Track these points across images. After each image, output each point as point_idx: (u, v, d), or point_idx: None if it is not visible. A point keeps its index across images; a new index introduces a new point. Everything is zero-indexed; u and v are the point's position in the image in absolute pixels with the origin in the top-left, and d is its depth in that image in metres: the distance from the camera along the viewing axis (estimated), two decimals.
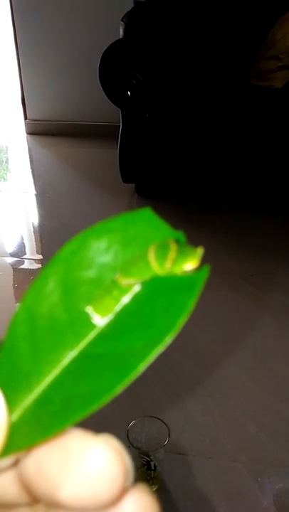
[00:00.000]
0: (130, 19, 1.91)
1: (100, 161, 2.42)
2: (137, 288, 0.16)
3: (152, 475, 0.90)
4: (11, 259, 1.71)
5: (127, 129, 1.85)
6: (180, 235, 0.16)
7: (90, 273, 0.16)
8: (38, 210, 2.07)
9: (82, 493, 0.13)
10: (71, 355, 0.15)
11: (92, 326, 0.15)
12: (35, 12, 2.46)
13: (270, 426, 1.07)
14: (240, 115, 1.77)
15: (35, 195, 2.16)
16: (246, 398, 1.13)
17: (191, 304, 0.14)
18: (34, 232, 1.91)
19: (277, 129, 1.76)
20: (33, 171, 2.40)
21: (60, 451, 0.14)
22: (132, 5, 2.01)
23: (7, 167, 2.50)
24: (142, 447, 0.86)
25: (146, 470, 0.89)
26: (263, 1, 1.98)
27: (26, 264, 1.68)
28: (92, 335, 0.15)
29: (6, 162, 2.56)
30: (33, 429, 0.14)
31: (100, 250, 0.16)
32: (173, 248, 0.15)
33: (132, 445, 0.84)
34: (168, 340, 0.14)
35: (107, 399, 0.13)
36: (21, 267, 1.67)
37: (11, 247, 1.81)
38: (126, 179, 1.97)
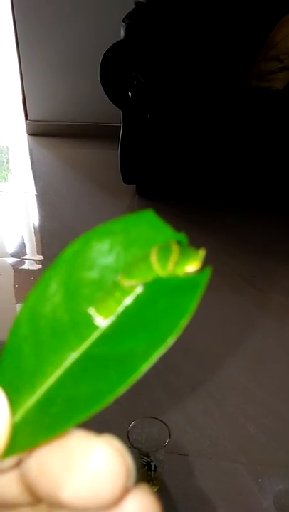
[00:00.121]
0: (131, 20, 1.91)
1: (101, 161, 2.43)
2: (139, 289, 0.16)
3: (153, 476, 0.90)
4: (11, 260, 1.71)
5: (127, 130, 1.85)
6: (182, 236, 0.16)
7: (92, 274, 0.16)
8: (39, 211, 2.07)
9: (84, 493, 0.13)
10: (73, 356, 0.15)
11: (95, 327, 0.15)
12: (36, 13, 2.47)
13: (271, 427, 1.07)
14: (241, 116, 1.77)
15: (36, 195, 2.16)
16: (246, 399, 1.13)
17: (192, 306, 0.14)
18: (35, 232, 1.91)
19: (278, 129, 1.76)
20: (33, 172, 2.41)
21: (63, 451, 0.14)
22: (132, 6, 2.01)
23: (8, 168, 2.50)
24: (143, 448, 0.86)
25: (146, 471, 0.89)
26: (264, 2, 1.98)
27: (27, 265, 1.68)
28: (94, 336, 0.15)
29: (7, 163, 2.56)
30: (36, 430, 0.14)
31: (102, 252, 0.16)
32: (175, 250, 0.15)
33: (133, 446, 0.85)
34: (170, 341, 0.14)
35: (109, 400, 0.14)
36: (22, 267, 1.67)
37: (11, 247, 1.81)
38: (127, 180, 1.97)
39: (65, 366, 0.15)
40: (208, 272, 0.15)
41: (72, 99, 2.67)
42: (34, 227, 1.95)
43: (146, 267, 0.15)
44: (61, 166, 2.44)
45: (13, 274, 1.66)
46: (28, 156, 2.59)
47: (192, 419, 1.08)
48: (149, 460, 0.86)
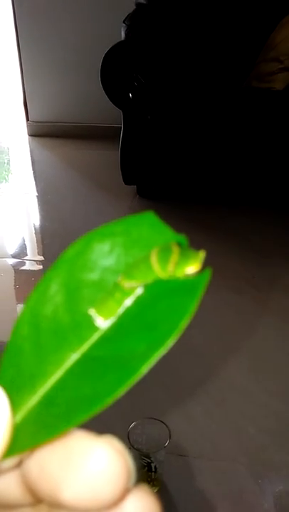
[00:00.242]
0: (132, 21, 1.91)
1: (101, 162, 2.43)
2: (139, 291, 0.16)
3: (153, 476, 0.90)
4: (12, 261, 1.71)
5: (128, 131, 1.85)
6: (182, 238, 0.16)
7: (93, 275, 0.16)
8: (40, 212, 2.08)
9: (84, 494, 0.13)
10: (74, 357, 0.15)
11: (95, 329, 0.16)
12: (37, 14, 2.47)
13: (271, 427, 1.07)
14: (242, 117, 1.77)
15: (37, 196, 2.16)
16: (247, 400, 1.13)
17: (193, 307, 0.14)
18: (35, 233, 1.91)
19: (278, 130, 1.76)
20: (34, 173, 2.41)
21: (63, 452, 0.14)
22: (133, 7, 2.01)
23: (9, 168, 2.51)
24: (143, 449, 0.86)
25: (146, 472, 0.89)
26: (264, 4, 1.98)
27: (27, 266, 1.68)
28: (95, 337, 0.15)
29: (8, 163, 2.56)
30: (37, 430, 0.14)
31: (103, 253, 0.16)
32: (175, 251, 0.15)
33: (133, 447, 0.84)
34: (170, 342, 0.14)
35: (110, 401, 0.14)
36: (22, 268, 1.68)
37: (12, 248, 1.81)
38: (127, 181, 1.97)
39: (66, 367, 0.15)
40: (208, 273, 0.15)
41: (72, 100, 2.68)
42: (35, 228, 1.95)
43: (147, 268, 0.15)
44: (62, 167, 2.44)
45: (13, 274, 1.66)
46: (29, 157, 2.60)
47: (192, 420, 1.08)
48: (149, 461, 0.86)
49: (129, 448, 0.84)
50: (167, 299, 0.15)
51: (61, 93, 2.67)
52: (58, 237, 1.82)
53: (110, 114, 2.24)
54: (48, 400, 0.15)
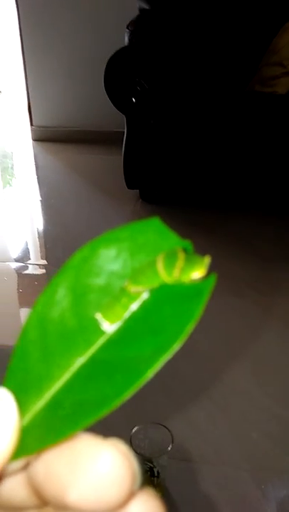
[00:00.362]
0: (135, 27, 1.92)
1: (105, 167, 2.44)
2: (145, 295, 0.16)
3: (155, 481, 0.90)
4: (15, 265, 1.72)
5: (131, 136, 1.86)
6: (187, 244, 0.16)
7: (100, 280, 0.16)
8: (43, 216, 2.08)
9: (90, 496, 0.13)
10: (81, 360, 0.15)
11: (102, 333, 0.16)
12: (41, 20, 2.49)
13: (274, 432, 1.06)
14: (245, 121, 1.78)
15: (40, 201, 2.17)
16: (250, 404, 1.13)
17: (198, 312, 0.15)
18: (38, 237, 1.92)
19: (281, 134, 1.76)
20: (38, 177, 2.42)
21: (70, 454, 0.14)
22: (137, 12, 2.03)
23: (12, 173, 2.52)
24: (145, 453, 0.86)
25: (149, 476, 0.88)
26: (267, 9, 1.99)
27: (30, 270, 1.68)
28: (101, 341, 0.16)
29: (12, 168, 2.58)
30: (44, 433, 0.14)
31: (109, 258, 0.17)
32: (181, 257, 0.15)
33: (135, 451, 0.84)
34: (176, 347, 0.14)
35: (116, 404, 0.14)
36: (25, 272, 1.68)
37: (15, 252, 1.81)
38: (130, 185, 1.98)
39: (73, 370, 0.15)
40: (213, 278, 0.15)
41: (76, 105, 2.69)
42: (38, 232, 1.95)
43: (153, 273, 0.15)
44: (65, 172, 2.45)
45: (16, 278, 1.67)
46: (33, 162, 2.61)
47: (195, 425, 1.08)
48: (152, 466, 0.86)
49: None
50: (173, 304, 0.15)
51: (65, 98, 2.69)
52: (60, 241, 1.82)
53: (114, 119, 2.25)
54: (55, 403, 0.15)
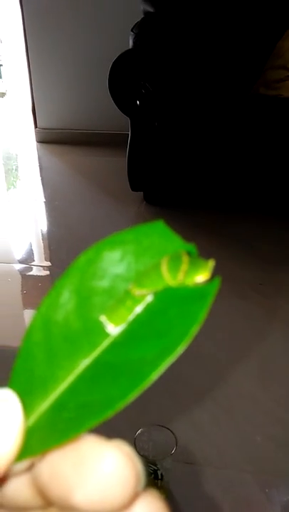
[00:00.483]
0: (140, 29, 1.93)
1: (109, 169, 2.44)
2: (149, 298, 0.16)
3: (159, 484, 0.90)
4: (19, 266, 1.72)
5: (135, 138, 1.87)
6: (192, 247, 0.16)
7: (104, 283, 0.17)
8: (47, 218, 2.09)
9: (94, 497, 0.14)
10: (85, 362, 0.15)
11: (106, 335, 0.16)
12: (45, 22, 2.50)
13: (279, 436, 1.06)
14: (249, 124, 1.78)
15: (44, 202, 2.18)
16: (254, 407, 1.12)
17: (202, 315, 0.15)
18: (43, 239, 1.92)
19: (286, 137, 1.76)
20: (42, 179, 2.43)
21: (74, 456, 0.14)
22: (141, 15, 2.03)
23: (17, 175, 2.53)
24: (149, 456, 0.86)
25: (153, 479, 0.88)
26: (272, 12, 1.99)
27: (34, 271, 1.69)
28: (105, 343, 0.16)
29: (16, 170, 2.59)
30: (49, 434, 0.14)
31: (114, 261, 0.17)
32: (185, 260, 0.15)
33: (139, 453, 0.84)
34: (180, 349, 0.14)
35: (120, 406, 0.14)
36: (29, 273, 1.68)
37: (19, 253, 1.82)
38: (134, 187, 1.98)
39: (77, 372, 0.15)
40: (217, 282, 0.15)
41: (80, 107, 2.70)
42: (42, 234, 1.96)
43: (157, 276, 0.16)
44: (69, 174, 2.46)
45: (20, 280, 1.67)
46: (37, 163, 2.62)
47: (199, 428, 1.07)
48: (155, 468, 0.86)
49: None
50: (177, 307, 0.15)
51: (69, 100, 2.70)
52: (65, 243, 1.83)
53: (118, 121, 2.25)
54: (59, 405, 0.15)
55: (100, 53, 2.46)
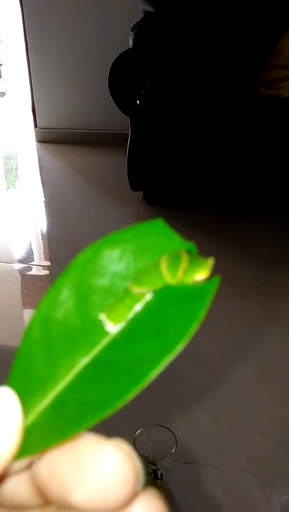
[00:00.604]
0: (140, 29, 1.93)
1: (109, 168, 2.44)
2: (148, 297, 0.16)
3: (159, 484, 0.90)
4: (19, 266, 1.72)
5: (135, 137, 1.87)
6: (191, 245, 0.16)
7: (103, 281, 0.17)
8: (47, 217, 2.09)
9: (93, 496, 0.13)
10: (85, 360, 0.15)
11: (105, 333, 0.16)
12: (45, 21, 2.51)
13: (278, 436, 1.06)
14: (249, 123, 1.78)
15: (44, 202, 2.18)
16: (254, 407, 1.13)
17: (201, 313, 0.15)
18: (42, 238, 1.92)
19: (286, 137, 1.76)
20: (42, 179, 2.43)
21: (73, 454, 0.14)
22: (141, 15, 2.03)
23: (17, 174, 2.53)
24: (149, 456, 0.86)
25: (152, 479, 0.88)
26: (272, 12, 1.99)
27: (34, 271, 1.69)
28: (105, 342, 0.16)
29: (16, 169, 2.59)
30: (48, 433, 0.14)
31: (113, 259, 0.17)
32: (184, 259, 0.15)
33: (139, 453, 0.84)
34: (179, 348, 0.14)
35: (119, 404, 0.14)
36: (29, 273, 1.68)
37: (19, 253, 1.82)
38: (134, 187, 1.98)
39: (77, 370, 0.15)
40: (216, 280, 0.15)
41: (80, 106, 2.70)
42: (42, 234, 1.96)
43: (156, 274, 0.16)
44: (69, 173, 2.46)
45: (20, 279, 1.67)
46: (37, 163, 2.62)
47: (199, 428, 1.07)
48: (155, 468, 0.86)
49: None
50: (176, 305, 0.15)
51: (69, 100, 2.70)
52: (64, 242, 1.83)
53: (118, 121, 2.25)
54: (58, 403, 0.15)
55: (100, 53, 2.46)
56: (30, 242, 1.89)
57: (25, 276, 1.67)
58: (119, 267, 0.17)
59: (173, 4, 2.01)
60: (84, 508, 0.14)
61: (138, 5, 2.05)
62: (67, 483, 0.14)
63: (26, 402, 0.15)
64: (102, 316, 0.16)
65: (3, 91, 3.76)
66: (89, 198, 2.19)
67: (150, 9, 2.02)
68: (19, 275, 1.69)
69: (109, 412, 0.14)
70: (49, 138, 2.77)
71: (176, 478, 0.95)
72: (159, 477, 0.88)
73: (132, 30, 1.94)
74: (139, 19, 2.00)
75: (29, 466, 0.15)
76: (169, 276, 0.15)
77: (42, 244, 1.89)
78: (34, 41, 2.57)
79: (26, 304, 1.53)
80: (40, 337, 0.16)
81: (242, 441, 1.05)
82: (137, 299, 0.16)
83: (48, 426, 0.15)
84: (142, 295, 0.16)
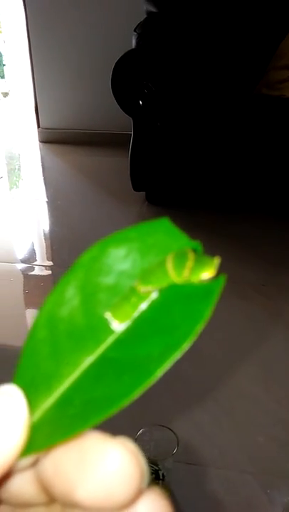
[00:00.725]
0: (143, 30, 1.93)
1: (111, 169, 2.44)
2: (154, 295, 0.16)
3: (160, 484, 0.90)
4: (21, 266, 1.72)
5: (138, 138, 1.87)
6: (197, 244, 0.16)
7: (109, 280, 0.17)
8: (49, 217, 2.09)
9: (98, 494, 0.13)
10: (90, 359, 0.15)
11: (111, 332, 0.16)
12: (48, 22, 2.51)
13: (280, 436, 1.06)
14: (251, 124, 1.78)
15: (47, 202, 2.18)
16: (256, 408, 1.12)
17: (207, 312, 0.15)
18: (45, 238, 1.93)
19: (288, 137, 1.76)
20: (44, 179, 2.43)
21: (78, 452, 0.14)
22: (144, 16, 2.04)
23: (19, 174, 2.53)
24: (150, 456, 0.86)
25: (154, 479, 0.88)
26: (274, 13, 1.99)
27: (37, 271, 1.69)
28: (110, 340, 0.16)
29: (19, 169, 2.59)
30: (53, 431, 0.14)
31: (119, 258, 0.17)
32: (190, 257, 0.15)
33: None
34: (185, 347, 0.14)
35: (125, 403, 0.14)
36: (32, 273, 1.69)
37: (21, 253, 1.82)
38: (137, 187, 1.98)
39: (82, 369, 0.15)
40: (222, 279, 0.15)
41: (83, 107, 2.71)
42: (44, 234, 1.96)
43: (162, 273, 0.16)
44: (72, 173, 2.46)
45: (22, 279, 1.67)
46: (40, 163, 2.62)
47: (201, 428, 1.07)
48: (157, 468, 0.86)
49: None
50: (182, 304, 0.15)
51: (72, 100, 2.70)
52: (67, 242, 1.83)
53: (120, 122, 2.26)
54: (64, 401, 0.15)
55: (103, 53, 2.47)
56: (32, 242, 1.89)
57: (27, 277, 1.68)
58: (124, 265, 0.17)
59: (176, 5, 2.01)
60: (89, 505, 0.14)
61: (141, 5, 2.05)
62: (72, 481, 0.14)
63: (32, 400, 0.15)
64: (108, 315, 0.16)
65: (7, 91, 3.77)
66: (91, 198, 2.19)
67: (153, 10, 2.02)
68: (21, 275, 1.69)
69: (114, 410, 0.14)
70: (52, 138, 2.78)
71: (178, 479, 0.95)
72: (161, 477, 0.88)
73: (134, 30, 1.94)
74: (142, 20, 2.00)
75: (34, 464, 0.15)
76: (174, 274, 0.15)
77: (44, 244, 1.89)
78: (37, 42, 2.58)
79: (28, 304, 1.54)
80: (46, 335, 0.16)
81: (244, 441, 1.05)
82: (142, 297, 0.16)
83: (53, 424, 0.15)
84: (148, 294, 0.16)
